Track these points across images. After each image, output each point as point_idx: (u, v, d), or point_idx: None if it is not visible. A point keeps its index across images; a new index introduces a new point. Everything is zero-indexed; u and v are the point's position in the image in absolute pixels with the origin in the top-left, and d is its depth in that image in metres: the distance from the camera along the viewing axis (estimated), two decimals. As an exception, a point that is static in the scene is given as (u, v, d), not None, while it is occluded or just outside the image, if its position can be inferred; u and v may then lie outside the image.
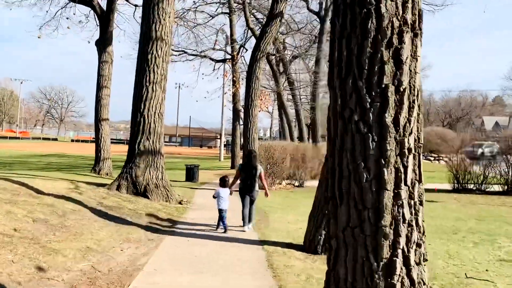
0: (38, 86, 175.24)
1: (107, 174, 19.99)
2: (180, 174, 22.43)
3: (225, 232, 8.39)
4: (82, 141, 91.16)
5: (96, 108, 21.54)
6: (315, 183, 22.27)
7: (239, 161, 30.58)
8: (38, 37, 20.35)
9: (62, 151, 50.08)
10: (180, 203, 11.86)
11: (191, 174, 21.51)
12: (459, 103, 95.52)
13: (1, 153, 41.82)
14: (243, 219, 8.80)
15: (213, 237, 7.86)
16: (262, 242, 7.59)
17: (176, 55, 32.25)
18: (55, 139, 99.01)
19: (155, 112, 11.66)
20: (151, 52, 11.52)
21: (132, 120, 11.77)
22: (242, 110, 30.15)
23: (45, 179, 11.15)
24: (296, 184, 21.39)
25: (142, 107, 11.59)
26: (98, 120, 21.50)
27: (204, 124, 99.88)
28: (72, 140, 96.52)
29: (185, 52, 32.17)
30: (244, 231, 8.62)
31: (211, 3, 31.78)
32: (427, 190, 20.94)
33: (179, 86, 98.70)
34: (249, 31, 28.21)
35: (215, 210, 8.76)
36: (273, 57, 31.37)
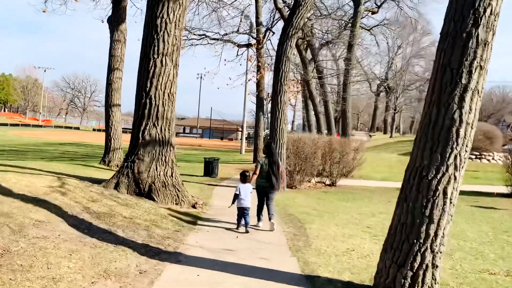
0: (62, 75, 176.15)
1: (117, 166, 17.84)
2: (198, 168, 20.16)
3: (246, 232, 7.68)
4: (104, 130, 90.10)
5: (106, 92, 19.37)
6: (349, 182, 19.70)
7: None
8: (44, 12, 18.21)
9: (81, 140, 48.81)
10: (193, 206, 9.48)
11: (210, 168, 19.23)
12: (490, 98, 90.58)
13: (20, 140, 40.64)
14: (258, 215, 8.33)
15: (235, 268, 5.43)
16: (308, 280, 5.10)
17: (197, 39, 29.93)
18: (77, 128, 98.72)
19: (164, 92, 9.27)
20: (160, 16, 9.11)
21: (136, 102, 9.42)
22: (267, 99, 27.73)
23: (23, 174, 8.90)
24: (328, 182, 18.87)
25: (148, 85, 9.21)
26: (108, 105, 19.33)
27: (226, 115, 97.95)
28: (94, 130, 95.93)
29: (207, 36, 29.78)
30: (258, 227, 8.16)
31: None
32: (483, 194, 18.23)
33: (201, 76, 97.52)
34: (277, 12, 25.59)
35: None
36: (301, 42, 28.66)
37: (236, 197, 7.87)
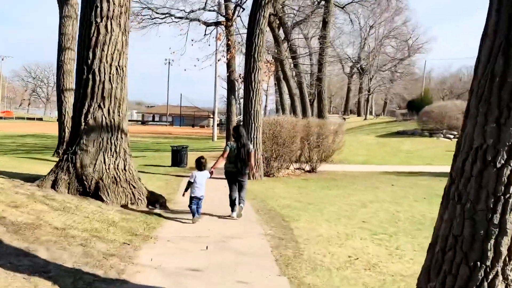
0: (22, 64, 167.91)
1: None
2: (166, 158, 18.34)
3: (193, 219, 7.01)
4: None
5: (57, 76, 17.22)
6: (329, 167, 18.19)
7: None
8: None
9: (43, 132, 45.75)
10: (153, 204, 7.74)
11: (178, 157, 17.51)
12: (459, 78, 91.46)
13: (-28, 133, 37.44)
14: (231, 204, 7.68)
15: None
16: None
17: (160, 18, 27.69)
18: (40, 119, 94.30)
19: (111, 65, 7.40)
20: (102, -33, 7.19)
21: (77, 79, 7.53)
22: (239, 81, 25.96)
23: None
24: (307, 168, 17.37)
25: (91, 57, 7.32)
26: (60, 90, 17.21)
27: (197, 102, 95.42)
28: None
29: (171, 14, 27.57)
30: (233, 218, 7.52)
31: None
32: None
33: (169, 62, 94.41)
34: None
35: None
36: (274, 19, 26.87)
37: (190, 185, 7.15)
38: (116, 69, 7.45)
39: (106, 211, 6.66)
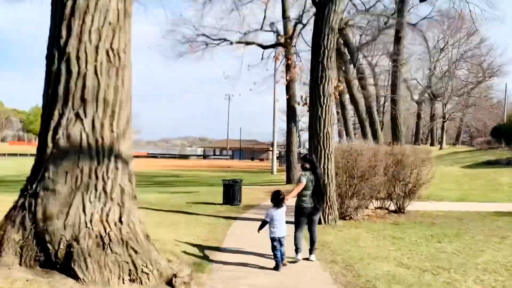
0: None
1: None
2: (220, 193, 15.29)
3: (277, 268, 6.01)
4: (134, 156, 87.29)
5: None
6: (418, 205, 13.42)
7: (297, 174, 23.08)
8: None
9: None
10: (170, 283, 4.52)
11: (230, 193, 14.42)
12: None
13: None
14: (297, 244, 6.66)
15: None
16: None
17: (215, 44, 25.63)
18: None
19: (98, 48, 4.45)
20: None
21: (46, 72, 4.62)
22: (300, 103, 22.83)
23: None
24: (392, 207, 13.50)
25: (64, 34, 4.43)
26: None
27: (256, 135, 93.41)
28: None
29: (226, 40, 25.41)
30: (296, 261, 6.50)
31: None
32: None
33: (229, 97, 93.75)
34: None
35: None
36: (338, 36, 23.73)
37: (265, 224, 6.28)
38: (107, 54, 4.48)
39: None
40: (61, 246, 4.22)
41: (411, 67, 49.40)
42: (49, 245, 4.23)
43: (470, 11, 25.63)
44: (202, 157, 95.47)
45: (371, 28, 27.41)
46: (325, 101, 10.48)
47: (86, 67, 4.39)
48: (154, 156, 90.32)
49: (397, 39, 24.38)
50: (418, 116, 57.31)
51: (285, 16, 23.89)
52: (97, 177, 4.41)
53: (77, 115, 4.37)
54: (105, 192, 4.43)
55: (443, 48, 51.74)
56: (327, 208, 10.17)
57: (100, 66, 4.43)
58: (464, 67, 57.14)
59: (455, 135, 71.21)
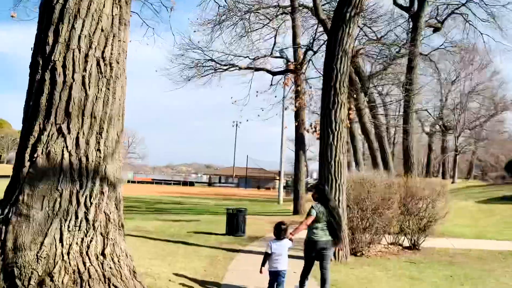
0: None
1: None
2: (223, 222, 14.59)
3: None
4: (139, 182, 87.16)
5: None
6: (433, 241, 12.04)
7: (305, 205, 22.29)
8: (12, 17, 13.89)
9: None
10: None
11: (234, 223, 13.69)
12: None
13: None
14: (302, 281, 6.31)
15: None
16: None
17: (223, 69, 25.43)
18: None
19: (87, 56, 3.95)
20: None
21: (29, 81, 4.12)
22: (309, 132, 22.30)
23: None
24: (406, 243, 12.68)
25: (51, 39, 3.94)
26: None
27: (262, 163, 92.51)
28: (129, 181, 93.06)
29: (234, 65, 25.20)
30: None
31: (268, 7, 24.87)
32: None
33: (237, 124, 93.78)
34: (319, 24, 20.67)
35: None
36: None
37: (267, 257, 5.96)
38: (98, 63, 3.98)
39: None
40: (32, 283, 3.61)
41: (422, 98, 49.00)
42: (17, 281, 3.62)
43: (484, 42, 25.18)
44: (207, 184, 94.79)
45: (382, 57, 27.13)
46: (337, 128, 9.91)
47: (73, 77, 3.89)
48: (158, 182, 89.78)
49: (410, 69, 23.91)
50: (429, 148, 56.46)
51: (295, 43, 23.71)
52: (78, 203, 3.83)
53: (60, 131, 3.84)
54: (87, 220, 3.85)
55: (455, 80, 51.42)
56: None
57: (88, 77, 3.93)
58: (476, 100, 56.55)
59: (467, 168, 69.97)
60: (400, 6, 25.76)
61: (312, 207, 6.42)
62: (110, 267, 3.86)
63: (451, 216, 21.51)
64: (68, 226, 3.77)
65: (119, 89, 4.17)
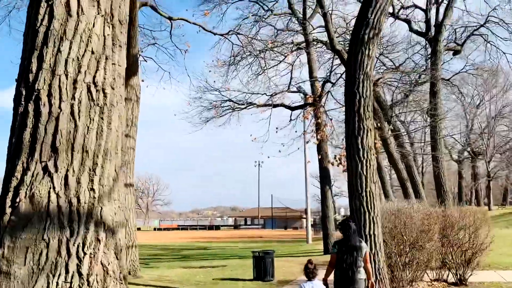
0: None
1: (130, 274, 12.35)
2: (249, 266, 13.70)
3: None
4: (165, 229, 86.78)
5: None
6: (481, 275, 10.89)
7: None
8: None
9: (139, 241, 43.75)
10: None
11: (261, 267, 12.78)
12: None
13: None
14: None
15: None
16: None
17: (241, 108, 25.19)
18: (139, 229, 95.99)
19: (76, 82, 3.43)
20: None
21: (13, 114, 3.62)
22: (334, 165, 21.51)
23: None
24: (451, 279, 11.51)
25: (34, 66, 3.46)
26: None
27: (288, 202, 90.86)
28: (155, 229, 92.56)
29: (252, 104, 24.95)
30: None
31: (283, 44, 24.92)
32: None
33: (259, 164, 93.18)
34: (335, 56, 20.32)
35: None
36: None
37: None
38: (88, 90, 3.45)
39: None
40: None
41: (447, 125, 47.66)
42: None
43: (508, 61, 24.32)
44: (233, 227, 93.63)
45: (403, 84, 26.53)
46: (365, 155, 9.15)
47: (59, 106, 3.37)
48: (184, 228, 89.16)
49: (433, 94, 23.23)
50: (460, 175, 54.32)
51: (312, 77, 23.37)
52: (69, 253, 3.20)
53: (45, 169, 3.28)
54: (80, 273, 3.20)
55: (479, 104, 50.04)
56: (376, 283, 8.47)
57: (78, 105, 3.40)
58: (503, 123, 54.71)
59: (501, 194, 67.00)
60: (416, 32, 25.35)
61: (332, 245, 6.29)
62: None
63: (495, 246, 19.86)
64: (57, 283, 3.13)
65: (116, 118, 3.63)
